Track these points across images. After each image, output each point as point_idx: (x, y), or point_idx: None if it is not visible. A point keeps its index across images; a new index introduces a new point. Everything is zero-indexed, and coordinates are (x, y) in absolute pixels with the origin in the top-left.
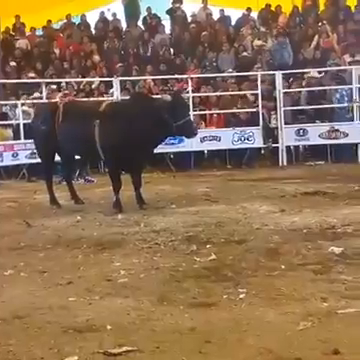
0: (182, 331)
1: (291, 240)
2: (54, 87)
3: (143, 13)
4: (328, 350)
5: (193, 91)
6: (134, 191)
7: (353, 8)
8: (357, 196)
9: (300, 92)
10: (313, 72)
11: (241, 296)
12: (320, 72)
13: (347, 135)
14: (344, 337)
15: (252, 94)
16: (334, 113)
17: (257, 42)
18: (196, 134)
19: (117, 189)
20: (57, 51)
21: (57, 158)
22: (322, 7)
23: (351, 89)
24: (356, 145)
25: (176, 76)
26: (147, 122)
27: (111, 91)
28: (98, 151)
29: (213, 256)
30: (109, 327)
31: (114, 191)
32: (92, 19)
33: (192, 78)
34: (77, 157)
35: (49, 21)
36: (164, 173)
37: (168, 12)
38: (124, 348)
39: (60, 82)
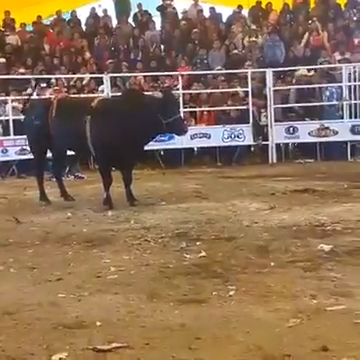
0: (172, 327)
1: (280, 237)
2: (44, 85)
3: (134, 9)
4: (317, 347)
5: (183, 88)
6: (124, 188)
7: (343, 6)
8: (346, 194)
9: (289, 90)
10: (303, 70)
11: (231, 293)
12: (309, 70)
13: (337, 133)
14: (333, 334)
15: (242, 91)
16: (324, 111)
17: (249, 38)
18: (186, 132)
19: (107, 186)
20: (47, 47)
21: (49, 154)
22: (312, 5)
23: (341, 87)
24: (346, 143)
25: (166, 73)
26: (138, 119)
27: (101, 88)
28: (89, 147)
29: (203, 253)
30: (99, 323)
31: (104, 188)
32: (83, 15)
33: (182, 75)
34: (69, 153)
35: (39, 17)
36: (154, 170)
37: (159, 9)
38: (114, 344)
39: (50, 78)
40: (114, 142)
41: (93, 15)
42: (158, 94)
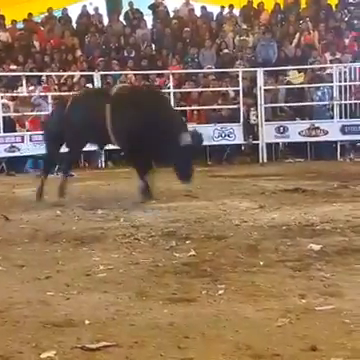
0: (161, 326)
1: (270, 237)
2: (32, 88)
3: (125, 8)
4: (306, 346)
5: (174, 87)
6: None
7: (334, 7)
8: (336, 193)
9: (278, 90)
10: (293, 73)
11: (220, 292)
12: (300, 71)
13: (327, 133)
14: (322, 334)
15: (233, 91)
16: (314, 111)
17: (240, 37)
18: (188, 182)
19: (142, 173)
20: (37, 44)
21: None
22: (303, 5)
23: (331, 87)
24: (336, 143)
25: (157, 71)
26: (155, 115)
27: (89, 86)
28: (109, 136)
29: (192, 252)
30: (87, 322)
31: (139, 176)
32: (73, 13)
33: (173, 74)
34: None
35: (30, 14)
36: None
37: (150, 7)
38: (102, 343)
39: (40, 76)
40: (135, 128)
41: (84, 13)
42: (187, 137)
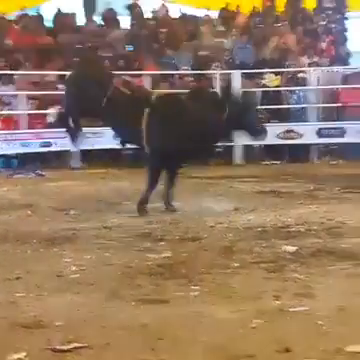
0: (133, 328)
1: (245, 238)
2: (4, 87)
3: (101, 7)
4: (280, 348)
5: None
6: (166, 190)
7: (311, 10)
8: (312, 196)
9: (255, 92)
10: (269, 76)
11: (194, 293)
12: (277, 74)
13: (303, 136)
14: (296, 335)
15: None
16: (290, 114)
17: (217, 39)
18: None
19: (151, 188)
20: (11, 43)
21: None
22: (281, 8)
23: (308, 90)
24: (312, 145)
25: (134, 72)
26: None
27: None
28: (141, 138)
29: (167, 253)
30: (58, 323)
31: (148, 188)
32: (48, 11)
33: (149, 75)
34: (29, 151)
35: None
36: (121, 169)
37: (127, 8)
38: (73, 344)
39: (13, 74)
40: (172, 143)
41: (59, 12)
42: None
